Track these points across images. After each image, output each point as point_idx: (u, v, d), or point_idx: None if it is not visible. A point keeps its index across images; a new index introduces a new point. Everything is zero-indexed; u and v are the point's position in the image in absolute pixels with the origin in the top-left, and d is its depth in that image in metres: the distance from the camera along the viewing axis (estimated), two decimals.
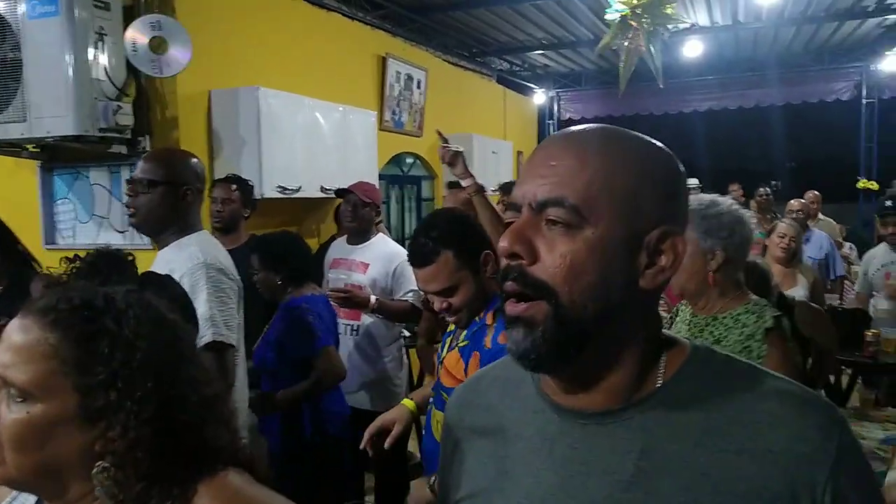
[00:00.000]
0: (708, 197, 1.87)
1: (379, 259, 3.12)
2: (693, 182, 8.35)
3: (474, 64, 8.23)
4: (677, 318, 2.09)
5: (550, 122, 10.31)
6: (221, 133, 3.64)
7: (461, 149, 2.52)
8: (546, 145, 0.77)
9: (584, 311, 0.70)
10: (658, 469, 0.71)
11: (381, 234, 3.34)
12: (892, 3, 6.64)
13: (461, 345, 1.78)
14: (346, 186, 3.28)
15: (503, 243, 0.72)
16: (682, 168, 0.79)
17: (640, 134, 0.79)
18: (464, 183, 2.53)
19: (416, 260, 1.71)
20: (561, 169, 0.72)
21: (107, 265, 1.36)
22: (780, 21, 7.13)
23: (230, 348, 1.93)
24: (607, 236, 0.70)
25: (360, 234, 3.22)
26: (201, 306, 1.82)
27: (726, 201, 1.86)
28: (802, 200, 5.65)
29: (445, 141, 2.55)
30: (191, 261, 1.91)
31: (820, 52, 8.83)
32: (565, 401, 0.77)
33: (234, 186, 3.14)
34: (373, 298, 2.95)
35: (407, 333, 3.74)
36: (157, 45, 3.01)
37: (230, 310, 1.95)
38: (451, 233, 1.67)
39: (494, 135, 7.42)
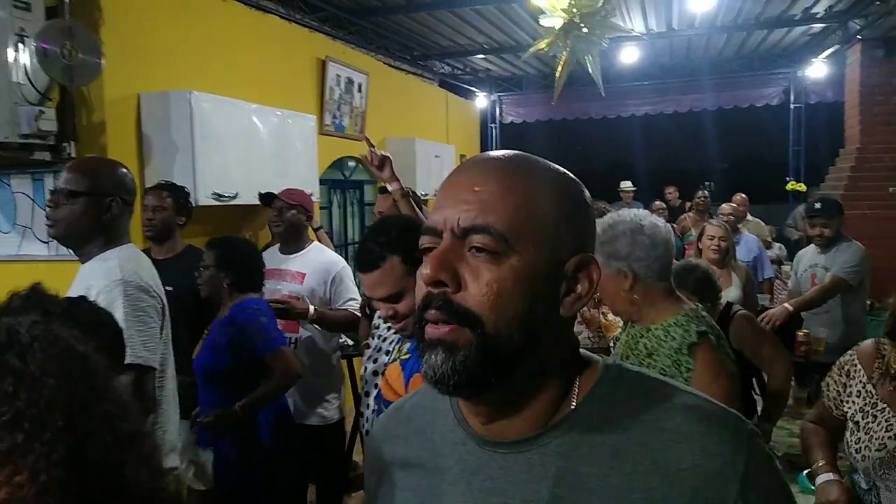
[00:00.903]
0: (606, 219, 1.86)
1: (316, 268, 3.06)
2: (627, 185, 8.54)
3: (416, 67, 8.21)
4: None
5: (493, 125, 10.39)
6: (152, 139, 3.51)
7: (389, 154, 2.51)
8: (467, 170, 0.76)
9: (508, 340, 0.69)
10: (574, 494, 0.70)
11: (316, 242, 3.27)
12: (817, 13, 6.93)
13: (403, 357, 1.75)
14: (299, 191, 3.22)
15: (426, 270, 0.71)
16: (589, 195, 0.80)
17: (549, 162, 0.79)
18: (390, 187, 2.52)
19: (362, 264, 1.67)
20: (485, 195, 0.71)
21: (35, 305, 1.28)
22: (713, 29, 7.35)
23: (149, 371, 1.84)
24: (532, 264, 0.70)
25: (293, 243, 3.13)
26: None
27: (624, 219, 1.84)
28: (733, 204, 5.82)
29: (372, 145, 2.54)
30: (108, 277, 1.82)
31: (750, 59, 9.16)
32: (485, 430, 0.76)
33: (166, 193, 3.02)
34: (312, 309, 2.89)
35: (350, 342, 3.69)
36: (68, 52, 2.88)
37: (150, 329, 1.86)
38: (399, 238, 1.64)
39: (437, 138, 7.41)
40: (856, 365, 1.85)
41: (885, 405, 1.74)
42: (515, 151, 0.78)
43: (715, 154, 13.68)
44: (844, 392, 1.85)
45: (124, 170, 2.05)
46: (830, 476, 1.79)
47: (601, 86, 4.36)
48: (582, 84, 6.67)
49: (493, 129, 10.43)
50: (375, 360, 1.94)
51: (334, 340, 3.20)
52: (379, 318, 2.05)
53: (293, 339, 3.01)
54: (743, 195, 6.56)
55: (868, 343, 1.88)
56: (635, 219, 1.84)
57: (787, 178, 9.53)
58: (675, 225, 6.42)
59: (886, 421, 1.72)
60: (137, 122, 3.50)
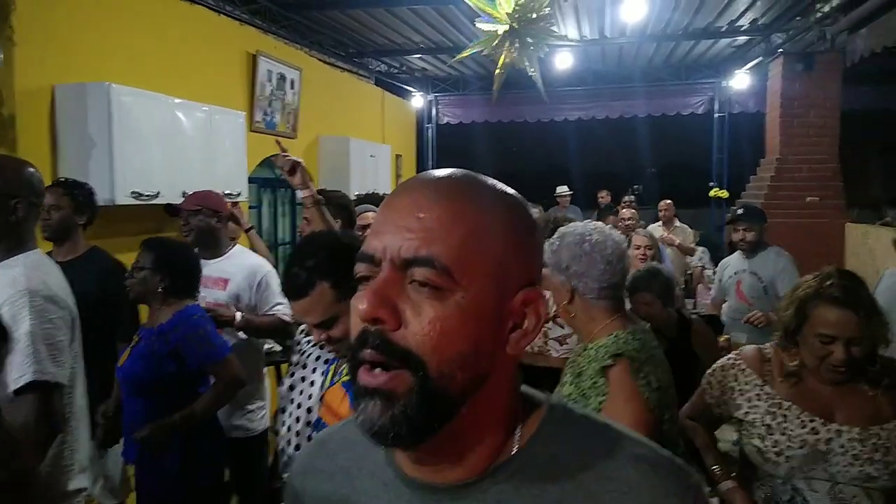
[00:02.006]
0: (561, 229, 1.85)
1: (240, 273, 2.93)
2: (563, 190, 8.67)
3: (352, 65, 8.10)
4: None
5: (429, 125, 10.37)
6: (67, 134, 3.31)
7: (301, 159, 2.42)
8: (410, 192, 0.68)
9: (452, 382, 0.63)
10: None
11: (238, 245, 3.14)
12: (742, 26, 7.19)
13: (345, 379, 1.64)
14: (203, 193, 3.06)
15: (362, 305, 0.63)
16: (535, 217, 0.74)
17: (497, 182, 0.72)
18: (301, 194, 2.40)
19: (289, 292, 1.57)
20: (430, 222, 0.64)
21: None
22: (643, 37, 7.54)
23: (57, 388, 1.72)
24: (479, 300, 0.64)
25: (211, 248, 2.99)
26: (23, 340, 1.61)
27: (572, 231, 1.81)
28: (632, 211, 5.93)
29: (283, 149, 2.43)
30: (13, 287, 1.69)
31: (678, 68, 9.46)
32: (418, 472, 0.71)
33: (63, 191, 2.80)
34: (238, 315, 2.78)
35: (278, 348, 3.58)
36: None
37: (59, 343, 1.74)
38: (328, 261, 1.53)
39: (372, 138, 7.32)
40: (744, 370, 1.89)
41: (790, 403, 1.78)
42: (464, 171, 0.71)
43: (644, 159, 14.09)
44: (730, 395, 1.89)
45: (31, 169, 1.90)
46: (732, 483, 1.84)
47: (543, 91, 4.39)
48: (519, 87, 6.73)
49: (430, 130, 10.41)
50: (292, 375, 1.86)
51: (261, 347, 3.09)
52: (300, 333, 1.98)
53: None
54: (668, 201, 6.73)
55: (750, 348, 1.95)
56: (583, 232, 1.80)
57: (711, 184, 9.88)
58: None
59: (798, 418, 1.76)
60: (51, 116, 3.29)
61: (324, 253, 1.56)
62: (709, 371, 2.01)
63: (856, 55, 5.85)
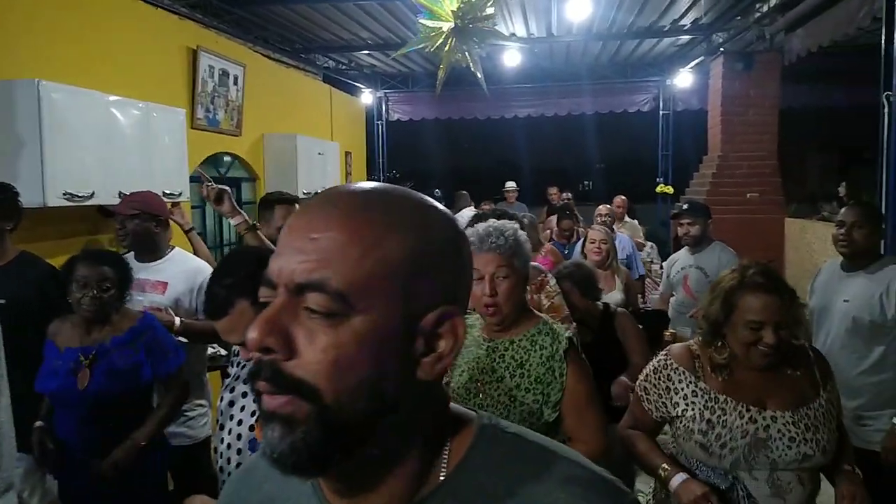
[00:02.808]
0: (504, 224, 1.95)
1: (179, 276, 2.84)
2: (511, 185, 8.72)
3: (298, 61, 7.96)
4: (468, 340, 2.13)
5: (379, 122, 10.30)
6: None
7: (226, 188, 2.36)
8: (308, 211, 0.64)
9: (353, 412, 0.59)
10: None
11: (177, 248, 3.04)
12: (684, 25, 7.34)
13: None
14: (142, 195, 2.96)
15: (251, 334, 0.59)
16: (464, 234, 0.69)
17: (422, 195, 0.68)
18: (233, 221, 2.36)
19: (210, 312, 1.54)
20: (324, 243, 0.60)
21: None
22: (589, 36, 7.62)
23: None
24: (380, 325, 0.60)
25: (151, 251, 2.89)
26: None
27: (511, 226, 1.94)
28: (609, 206, 6.04)
29: (208, 180, 2.37)
30: None
31: (624, 67, 9.61)
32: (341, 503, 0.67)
33: None
34: (177, 321, 2.69)
35: (222, 352, 3.49)
36: None
37: None
38: (247, 279, 1.49)
39: (321, 135, 7.21)
40: (676, 369, 1.93)
41: (725, 396, 1.84)
42: (372, 186, 0.66)
43: (593, 155, 14.29)
44: (668, 396, 1.93)
45: None
46: (685, 475, 1.84)
47: (486, 89, 4.40)
48: (469, 84, 6.72)
49: (380, 127, 10.35)
50: (233, 390, 1.81)
51: (203, 351, 3.00)
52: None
53: None
54: (622, 197, 6.85)
55: (678, 346, 2.00)
56: (516, 228, 1.91)
57: (658, 180, 10.08)
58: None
59: (736, 409, 1.82)
60: None
61: (243, 270, 1.53)
62: (641, 378, 2.04)
63: (793, 55, 6.03)
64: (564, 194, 7.09)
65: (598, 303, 3.27)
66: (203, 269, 2.91)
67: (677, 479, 1.83)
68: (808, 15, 5.42)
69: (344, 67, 9.20)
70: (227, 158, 5.84)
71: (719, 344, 1.88)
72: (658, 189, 9.96)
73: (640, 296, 5.45)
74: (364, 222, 0.61)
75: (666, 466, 1.88)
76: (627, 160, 13.69)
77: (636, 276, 5.35)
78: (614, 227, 6.22)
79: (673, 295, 4.36)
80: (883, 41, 4.05)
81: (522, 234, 1.98)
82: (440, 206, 0.69)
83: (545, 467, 0.66)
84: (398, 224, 0.62)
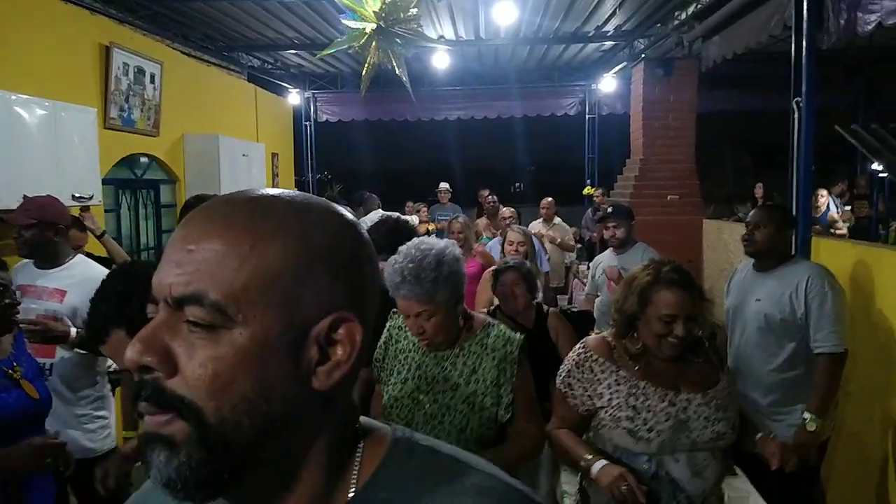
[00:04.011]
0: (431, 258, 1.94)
1: (80, 285, 2.67)
2: (444, 186, 8.72)
3: (221, 59, 7.72)
4: (405, 344, 2.14)
5: (307, 123, 10.11)
6: None
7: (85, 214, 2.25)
8: (188, 221, 0.61)
9: (238, 428, 0.57)
10: None
11: (80, 255, 2.87)
12: (608, 31, 7.50)
13: None
14: (40, 203, 2.77)
15: (128, 353, 0.57)
16: (363, 235, 0.66)
17: (311, 198, 0.65)
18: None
19: (89, 339, 1.48)
20: (201, 254, 0.58)
21: None
22: (517, 40, 7.70)
23: None
24: (262, 336, 0.57)
25: (50, 259, 2.72)
26: None
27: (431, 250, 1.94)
28: (513, 209, 6.06)
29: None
30: None
31: (551, 71, 9.76)
32: None
33: None
34: (73, 331, 2.53)
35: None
36: None
37: None
38: (120, 305, 1.43)
39: (245, 136, 7.03)
40: (597, 360, 2.00)
41: (645, 382, 1.94)
42: (258, 192, 0.63)
43: (523, 158, 14.48)
44: (593, 388, 1.98)
45: None
46: (604, 462, 1.89)
47: (410, 91, 4.36)
48: (399, 86, 6.64)
49: (308, 128, 10.15)
50: None
51: (100, 364, 2.84)
52: None
53: (48, 365, 2.60)
54: (550, 199, 6.92)
55: (594, 338, 2.08)
56: (442, 249, 1.93)
57: (587, 182, 10.29)
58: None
59: (656, 394, 1.91)
60: None
61: (115, 295, 1.47)
62: (562, 374, 2.07)
63: (710, 61, 6.23)
64: (491, 197, 7.13)
65: (535, 302, 3.28)
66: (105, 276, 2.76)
67: (597, 465, 1.88)
68: (724, 23, 5.61)
69: (270, 67, 8.98)
70: (143, 160, 5.60)
71: (633, 336, 1.98)
72: (585, 191, 10.16)
73: (565, 296, 5.55)
74: (242, 231, 0.59)
75: (588, 456, 1.93)
76: (557, 162, 13.95)
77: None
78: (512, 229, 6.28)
79: (598, 296, 4.43)
80: (792, 49, 4.21)
81: (447, 259, 1.92)
82: (335, 209, 0.66)
83: (459, 480, 0.64)
84: (280, 231, 0.60)
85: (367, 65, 3.99)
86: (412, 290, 1.87)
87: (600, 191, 8.89)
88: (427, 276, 1.87)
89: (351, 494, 0.63)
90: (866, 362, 3.27)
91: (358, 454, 0.65)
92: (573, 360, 2.05)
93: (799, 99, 4.10)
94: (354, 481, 0.63)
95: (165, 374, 0.57)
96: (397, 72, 3.99)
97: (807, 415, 2.90)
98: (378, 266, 0.70)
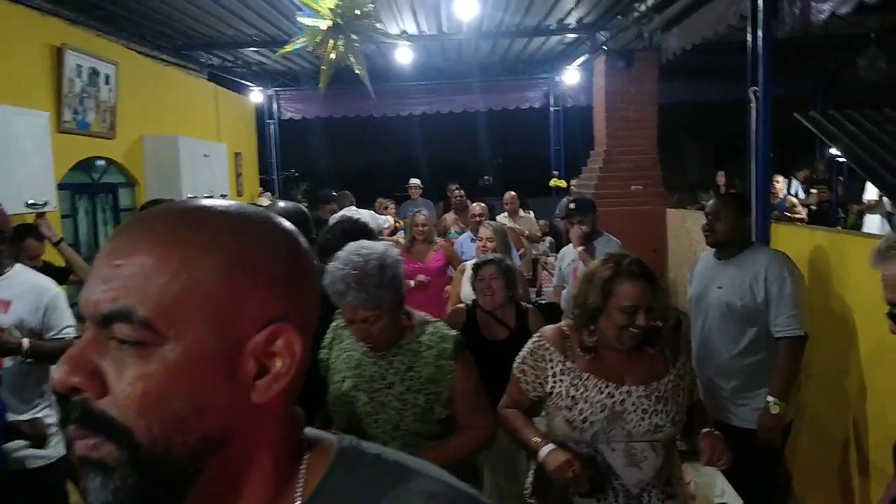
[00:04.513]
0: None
1: (24, 295, 2.59)
2: (415, 182, 8.69)
3: (180, 58, 7.58)
4: (345, 344, 2.17)
5: (270, 121, 9.97)
6: None
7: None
8: (116, 236, 0.60)
9: (170, 447, 0.56)
10: None
11: (19, 265, 2.78)
12: (569, 24, 7.53)
13: None
14: None
15: (56, 374, 0.56)
16: (301, 244, 0.66)
17: (247, 208, 0.64)
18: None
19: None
20: (129, 269, 0.56)
21: None
22: (479, 34, 7.68)
23: None
24: (195, 352, 0.56)
25: None
26: None
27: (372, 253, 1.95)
28: (483, 205, 6.04)
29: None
30: None
31: (515, 64, 9.77)
32: None
33: None
34: (25, 342, 2.47)
35: None
36: None
37: None
38: None
39: (206, 136, 6.92)
40: (549, 349, 2.07)
41: (588, 374, 2.01)
42: (191, 203, 0.63)
43: (490, 152, 14.50)
44: (543, 375, 2.06)
45: None
46: (552, 446, 1.96)
47: (370, 88, 4.32)
48: (361, 82, 6.62)
49: (272, 126, 10.02)
50: None
51: (48, 372, 2.77)
52: None
53: None
54: (512, 193, 6.92)
55: (551, 328, 2.14)
56: (382, 253, 1.94)
57: (555, 174, 10.33)
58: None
59: (596, 386, 1.98)
60: None
61: None
62: (518, 360, 2.15)
63: (669, 52, 6.30)
64: (458, 191, 7.11)
65: (513, 301, 3.26)
66: (49, 286, 2.69)
67: (545, 449, 1.95)
68: (683, 14, 5.67)
69: (230, 65, 8.83)
70: (100, 163, 5.48)
71: (592, 328, 2.01)
72: (552, 183, 10.21)
73: (533, 289, 5.56)
74: (172, 244, 0.58)
75: (537, 439, 2.00)
76: (522, 155, 13.99)
77: None
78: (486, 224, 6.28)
79: (564, 287, 4.45)
80: (749, 38, 4.27)
81: (388, 262, 1.94)
82: (272, 219, 0.65)
83: (406, 487, 0.64)
84: (213, 243, 0.59)
85: (324, 63, 3.94)
86: (357, 297, 1.88)
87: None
88: (371, 282, 1.88)
89: None
90: (826, 345, 3.34)
91: (303, 466, 0.64)
92: (529, 347, 2.13)
93: (756, 87, 4.16)
94: (300, 494, 0.62)
95: (94, 395, 0.55)
96: (356, 69, 3.95)
97: (770, 399, 2.95)
98: (318, 274, 0.69)
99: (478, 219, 5.51)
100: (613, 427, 1.96)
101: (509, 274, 3.22)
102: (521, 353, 2.15)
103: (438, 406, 1.99)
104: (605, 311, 1.96)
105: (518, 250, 5.58)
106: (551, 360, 2.05)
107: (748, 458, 3.01)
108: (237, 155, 7.77)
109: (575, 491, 1.95)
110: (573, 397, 1.99)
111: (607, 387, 1.98)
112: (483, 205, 5.96)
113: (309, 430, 0.68)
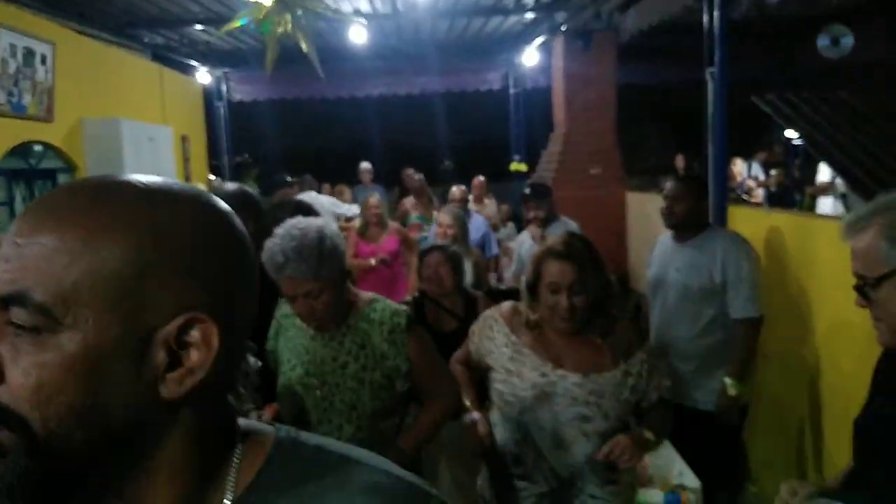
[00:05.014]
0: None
1: None
2: (366, 166, 8.52)
3: (121, 38, 7.24)
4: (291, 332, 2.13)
5: (220, 104, 9.64)
6: None
7: None
8: (24, 213, 0.57)
9: (69, 442, 0.53)
10: None
11: None
12: (527, 3, 7.41)
13: None
14: None
15: None
16: (235, 227, 0.61)
17: (171, 185, 0.58)
18: None
19: None
20: (30, 250, 0.53)
21: None
22: (436, 13, 7.52)
23: None
24: (96, 341, 0.53)
25: None
26: None
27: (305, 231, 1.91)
28: (464, 189, 6.00)
29: None
30: None
31: (474, 46, 9.60)
32: None
33: None
34: None
35: None
36: None
37: None
38: None
39: (151, 119, 6.64)
40: (497, 321, 2.14)
41: (529, 350, 2.05)
42: (102, 180, 0.58)
43: (450, 135, 14.33)
44: (490, 342, 2.12)
45: None
46: (477, 415, 2.10)
47: (318, 66, 4.17)
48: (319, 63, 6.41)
49: (221, 108, 9.68)
50: None
51: None
52: None
53: None
54: (481, 178, 6.82)
55: (508, 304, 2.20)
56: (322, 225, 1.93)
57: (516, 158, 10.23)
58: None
59: (532, 363, 2.02)
60: None
61: None
62: (475, 323, 2.25)
63: (627, 33, 6.26)
64: (417, 176, 6.99)
65: (461, 290, 3.22)
66: None
67: (471, 416, 2.10)
68: None
69: (176, 45, 8.47)
70: (38, 148, 5.20)
71: (534, 304, 2.07)
72: (512, 167, 10.12)
73: (494, 274, 5.50)
74: (77, 224, 0.54)
75: (467, 403, 2.12)
76: (483, 138, 13.84)
77: (489, 256, 5.39)
78: (474, 207, 6.21)
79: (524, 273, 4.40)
80: (705, 19, 4.24)
81: (328, 233, 1.90)
82: (199, 198, 0.59)
83: (347, 479, 0.62)
84: (121, 224, 0.55)
85: (269, 42, 3.76)
86: (297, 268, 1.83)
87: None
88: (311, 253, 1.83)
89: (227, 502, 0.60)
90: (783, 325, 3.34)
91: (236, 459, 0.62)
92: (484, 315, 2.23)
93: (712, 69, 4.14)
94: (231, 488, 0.60)
95: None
96: (303, 46, 3.79)
97: (727, 380, 2.96)
98: (255, 261, 0.64)
99: (458, 204, 5.48)
100: (540, 407, 1.99)
101: (456, 261, 3.16)
102: (479, 318, 2.24)
103: (399, 380, 2.00)
104: (539, 289, 2.02)
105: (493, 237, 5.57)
106: (498, 332, 2.11)
107: (706, 439, 3.02)
108: (184, 139, 7.49)
109: (479, 452, 2.08)
110: (508, 370, 2.05)
111: (544, 366, 2.02)
112: (464, 188, 5.92)
113: (243, 422, 0.65)
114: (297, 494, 0.60)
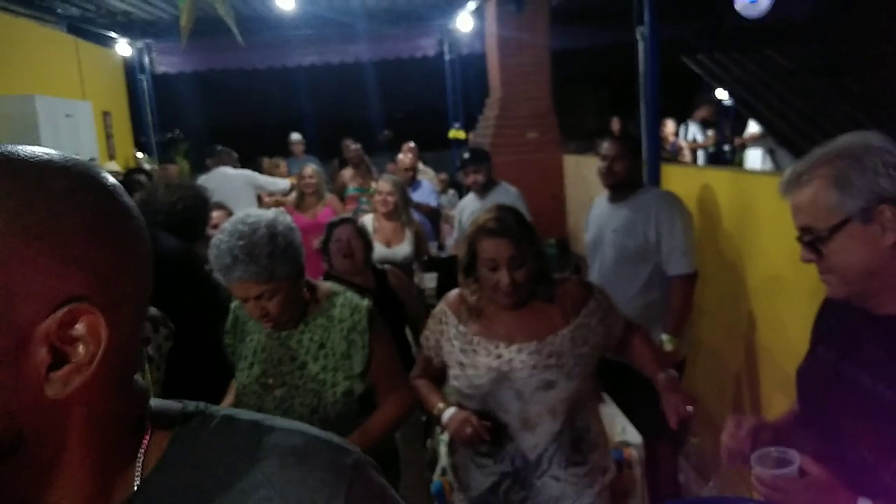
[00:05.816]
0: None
1: None
2: (297, 137, 8.30)
3: (33, 10, 6.80)
4: (249, 326, 2.02)
5: (143, 76, 9.20)
6: None
7: None
8: None
9: None
10: None
11: None
12: None
13: None
14: None
15: None
16: (124, 204, 0.56)
17: (49, 159, 0.52)
18: None
19: None
20: None
21: None
22: None
23: None
24: None
25: None
26: None
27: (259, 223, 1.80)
28: (410, 155, 5.93)
29: None
30: None
31: (405, 11, 9.41)
32: None
33: None
34: None
35: None
36: None
37: None
38: None
39: (68, 94, 6.30)
40: (446, 313, 2.06)
41: (479, 337, 1.97)
42: None
43: (387, 104, 14.11)
44: (443, 338, 2.04)
45: None
46: (453, 409, 1.96)
47: (238, 34, 3.99)
48: (245, 32, 6.14)
49: (144, 82, 9.24)
50: None
51: None
52: None
53: None
54: (411, 144, 6.72)
55: (454, 292, 2.11)
56: (273, 220, 1.81)
57: (455, 125, 10.15)
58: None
59: (485, 349, 1.95)
60: None
61: None
62: (426, 329, 2.14)
63: None
64: (354, 146, 6.86)
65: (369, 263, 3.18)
66: None
67: (446, 413, 1.95)
68: None
69: (92, 15, 8.01)
70: None
71: (473, 286, 1.99)
72: (451, 134, 10.04)
73: (435, 242, 5.47)
74: None
75: (441, 405, 1.99)
76: (421, 106, 13.70)
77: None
78: (419, 177, 6.15)
79: None
80: None
81: (280, 230, 1.77)
82: (82, 170, 0.54)
83: (259, 445, 0.60)
84: None
85: (184, 8, 3.57)
86: (247, 271, 1.70)
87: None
88: (262, 253, 1.70)
89: (135, 488, 0.57)
90: (718, 280, 3.42)
91: (142, 447, 0.59)
92: (433, 313, 2.12)
93: (642, 27, 4.14)
94: (138, 474, 0.58)
95: None
96: (221, 12, 3.61)
97: (664, 336, 3.01)
98: (146, 238, 0.58)
99: (410, 172, 5.47)
100: (501, 390, 1.92)
101: (365, 233, 3.11)
102: (429, 320, 2.14)
103: (357, 381, 1.89)
104: (475, 268, 1.95)
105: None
106: (447, 324, 2.04)
107: (647, 395, 3.07)
108: (106, 114, 7.15)
109: (476, 448, 1.95)
110: (461, 363, 1.97)
111: (496, 347, 1.95)
112: (411, 155, 5.85)
113: (154, 403, 0.62)
114: (206, 464, 0.58)
